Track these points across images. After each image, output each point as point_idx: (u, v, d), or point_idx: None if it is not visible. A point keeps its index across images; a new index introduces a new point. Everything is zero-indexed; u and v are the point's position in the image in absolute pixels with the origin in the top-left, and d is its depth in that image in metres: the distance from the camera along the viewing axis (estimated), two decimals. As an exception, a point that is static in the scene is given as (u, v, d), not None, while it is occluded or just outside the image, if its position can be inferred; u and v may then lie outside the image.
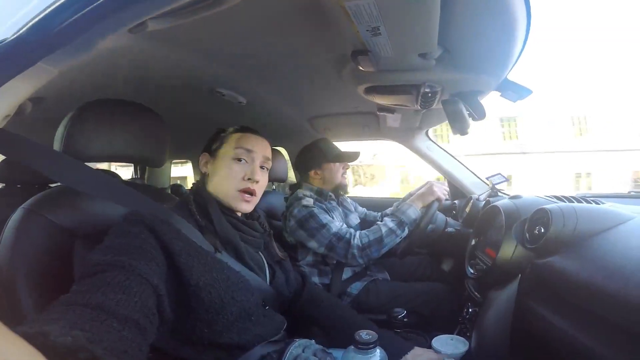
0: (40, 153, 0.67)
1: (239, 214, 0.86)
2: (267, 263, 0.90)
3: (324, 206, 1.44)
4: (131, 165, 2.50)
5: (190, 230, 0.73)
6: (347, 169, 1.58)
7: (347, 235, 1.31)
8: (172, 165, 2.87)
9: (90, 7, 0.48)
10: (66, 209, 0.76)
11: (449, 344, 0.92)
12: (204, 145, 0.93)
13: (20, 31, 0.48)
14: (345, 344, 0.73)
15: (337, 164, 1.52)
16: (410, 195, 1.54)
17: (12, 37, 0.49)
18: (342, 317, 0.95)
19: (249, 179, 0.83)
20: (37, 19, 0.48)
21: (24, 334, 0.30)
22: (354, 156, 1.55)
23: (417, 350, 0.85)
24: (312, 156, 1.54)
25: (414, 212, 1.36)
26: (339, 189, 1.54)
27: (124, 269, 0.55)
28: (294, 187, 1.57)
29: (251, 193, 0.84)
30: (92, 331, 0.42)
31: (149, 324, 0.52)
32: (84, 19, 0.49)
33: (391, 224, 1.32)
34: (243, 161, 0.84)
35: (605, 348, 0.56)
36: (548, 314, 0.70)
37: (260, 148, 0.87)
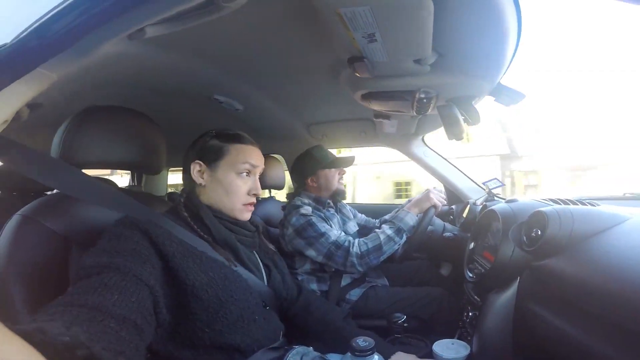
0: (36, 160, 0.67)
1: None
2: (263, 263, 0.90)
3: (322, 214, 1.43)
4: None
5: (183, 232, 0.73)
6: (344, 174, 1.57)
7: (346, 244, 1.30)
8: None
9: (89, 13, 0.48)
10: (62, 215, 0.76)
11: (450, 348, 0.91)
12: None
13: (20, 36, 0.49)
14: (337, 351, 0.73)
15: (333, 170, 1.52)
16: (409, 201, 1.55)
17: (11, 42, 0.49)
18: (331, 324, 0.95)
19: (254, 194, 0.85)
20: (36, 24, 0.48)
21: (22, 332, 0.29)
22: (348, 161, 1.55)
23: (399, 355, 0.84)
24: (307, 164, 1.54)
25: (411, 218, 1.36)
26: (337, 196, 1.53)
27: (119, 270, 0.55)
28: (291, 196, 1.57)
29: (253, 203, 0.86)
30: (90, 330, 0.42)
31: (146, 325, 0.52)
32: (83, 25, 0.49)
33: (389, 232, 1.32)
34: (247, 175, 0.85)
35: (606, 348, 0.56)
36: (548, 315, 0.70)
37: (261, 161, 0.88)
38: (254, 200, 0.86)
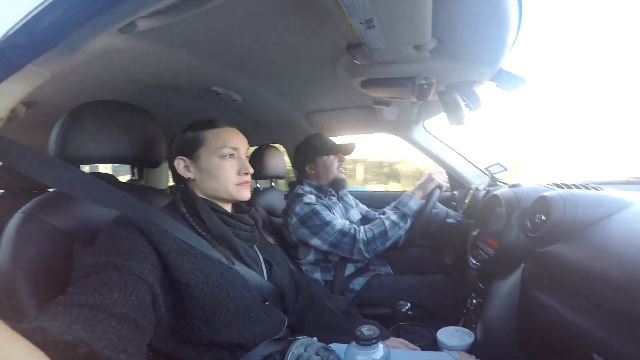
0: (33, 158, 0.66)
1: (229, 209, 0.86)
2: (263, 258, 0.90)
3: (325, 203, 1.43)
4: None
5: (180, 229, 0.72)
6: (343, 161, 1.56)
7: (352, 231, 1.31)
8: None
9: (78, 8, 0.47)
10: (65, 212, 0.76)
11: (454, 336, 0.92)
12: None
13: (8, 33, 0.48)
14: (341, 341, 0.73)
15: (332, 157, 1.51)
16: None
17: (0, 40, 0.48)
18: (333, 320, 0.95)
19: (245, 173, 0.84)
20: (25, 20, 0.47)
21: (23, 331, 0.29)
22: (348, 148, 1.54)
23: (392, 340, 0.87)
24: (306, 152, 1.54)
25: (415, 203, 1.37)
26: (337, 183, 1.53)
27: (118, 269, 0.55)
28: (293, 185, 1.56)
29: (247, 182, 0.86)
30: (91, 329, 0.42)
31: (147, 323, 0.52)
32: (72, 19, 0.48)
33: (394, 217, 1.33)
34: (231, 157, 0.84)
35: (609, 334, 0.56)
36: (553, 302, 0.70)
37: (242, 142, 0.87)
38: (246, 178, 0.85)
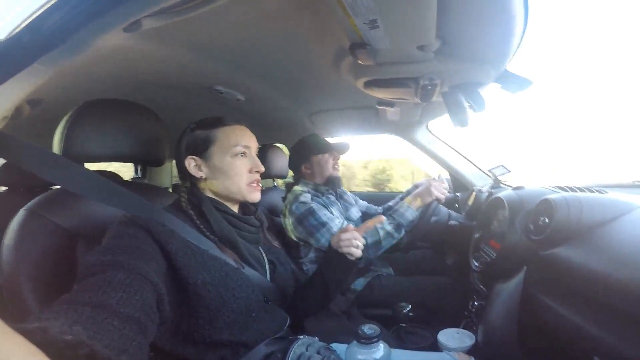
0: (37, 156, 0.67)
1: (235, 210, 0.86)
2: (267, 259, 0.90)
3: (322, 201, 1.43)
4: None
5: (186, 229, 0.73)
6: (338, 159, 1.56)
7: None
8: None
9: (83, 6, 0.47)
10: (68, 210, 0.76)
11: (455, 337, 0.92)
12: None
13: (14, 32, 0.48)
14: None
15: (326, 155, 1.51)
16: (416, 187, 1.53)
17: (6, 39, 0.48)
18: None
19: (256, 171, 0.84)
20: (30, 20, 0.47)
21: (23, 331, 0.29)
22: (342, 147, 1.54)
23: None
24: (301, 151, 1.54)
25: (411, 214, 1.35)
26: (332, 182, 1.53)
27: (124, 268, 0.55)
28: (290, 186, 1.56)
29: (259, 181, 0.86)
30: (93, 329, 0.42)
31: (150, 323, 0.52)
32: (77, 18, 0.48)
33: (389, 227, 1.32)
34: (242, 155, 0.83)
35: (614, 337, 0.56)
36: (555, 305, 0.70)
37: (252, 140, 0.86)
38: (257, 177, 0.85)
